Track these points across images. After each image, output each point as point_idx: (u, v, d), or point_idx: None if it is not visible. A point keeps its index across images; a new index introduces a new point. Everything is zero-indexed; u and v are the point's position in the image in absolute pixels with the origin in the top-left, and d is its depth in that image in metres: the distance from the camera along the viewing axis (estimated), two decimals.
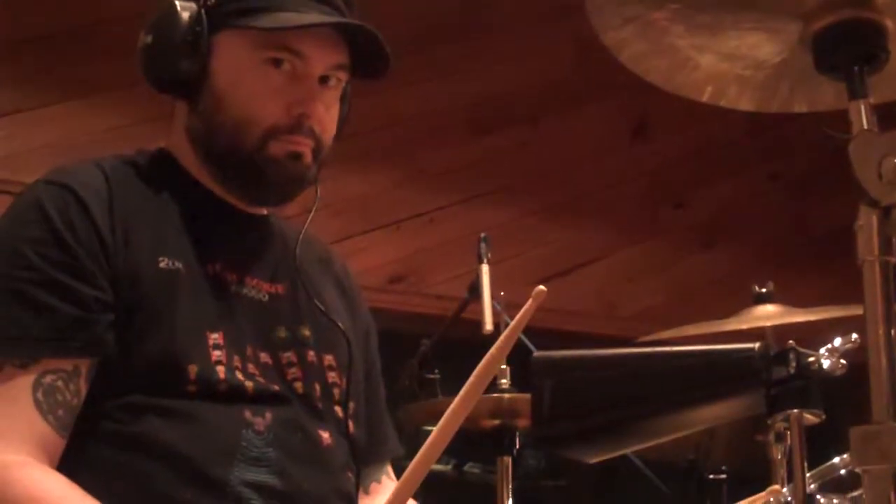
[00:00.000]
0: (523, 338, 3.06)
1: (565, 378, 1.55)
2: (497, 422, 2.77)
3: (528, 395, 2.05)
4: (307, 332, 1.87)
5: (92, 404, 1.68)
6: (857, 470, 1.24)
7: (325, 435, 1.80)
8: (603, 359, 1.56)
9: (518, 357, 2.82)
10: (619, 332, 4.61)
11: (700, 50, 1.50)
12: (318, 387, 1.84)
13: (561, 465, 3.83)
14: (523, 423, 2.74)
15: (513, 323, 1.41)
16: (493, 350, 1.42)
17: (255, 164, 1.79)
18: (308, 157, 1.83)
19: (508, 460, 2.76)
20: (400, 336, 4.11)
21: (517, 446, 2.77)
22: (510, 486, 2.75)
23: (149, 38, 1.81)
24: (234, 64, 1.80)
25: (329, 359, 1.89)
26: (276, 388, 1.76)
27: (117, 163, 1.83)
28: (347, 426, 1.87)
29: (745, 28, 1.45)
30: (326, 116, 1.85)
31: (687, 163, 5.07)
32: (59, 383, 1.66)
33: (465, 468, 3.79)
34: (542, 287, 1.38)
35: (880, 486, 1.21)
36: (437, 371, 3.23)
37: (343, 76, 1.87)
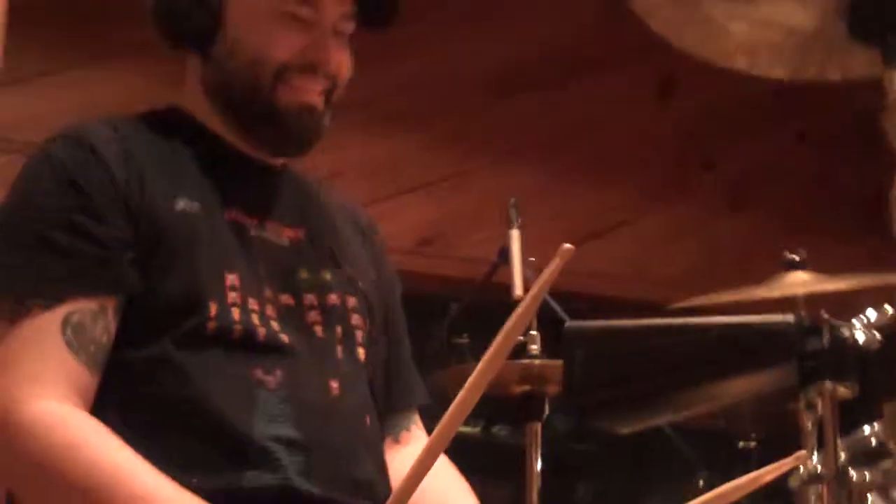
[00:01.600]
0: (555, 305, 3.08)
1: (597, 348, 1.55)
2: (527, 387, 2.77)
3: (557, 362, 2.05)
4: (328, 276, 1.87)
5: (114, 359, 1.69)
6: (892, 445, 1.23)
7: (335, 385, 1.80)
8: (635, 329, 1.55)
9: (548, 324, 2.83)
10: (649, 295, 4.59)
11: (733, 17, 1.49)
12: (339, 329, 1.85)
13: (590, 431, 3.83)
14: (553, 389, 2.73)
15: (539, 281, 1.39)
16: (519, 309, 1.39)
17: (271, 113, 1.82)
18: (320, 105, 1.85)
19: (537, 426, 2.76)
20: (430, 299, 4.12)
21: (546, 412, 2.77)
22: (539, 452, 2.75)
23: None
24: (250, 13, 1.83)
25: (352, 301, 1.89)
26: (286, 339, 1.76)
27: (127, 119, 1.85)
28: (367, 370, 1.88)
29: None
30: (343, 58, 1.88)
31: (715, 122, 5.04)
32: (87, 321, 1.66)
33: (494, 430, 3.80)
34: (568, 245, 1.35)
35: None
36: (466, 335, 3.23)
37: (350, 26, 1.89)
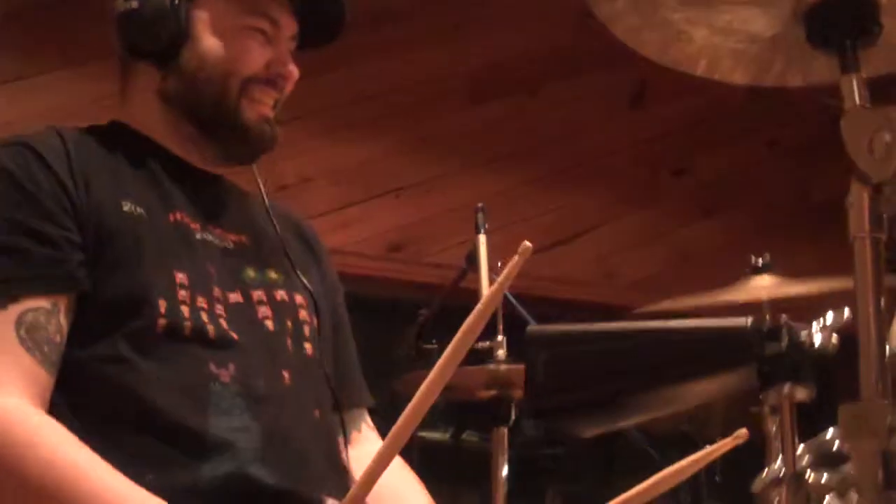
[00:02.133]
0: (522, 310, 3.09)
1: (559, 352, 1.55)
2: (493, 392, 2.78)
3: (523, 367, 2.06)
4: (274, 275, 1.93)
5: (67, 360, 1.71)
6: (846, 447, 1.24)
7: (286, 375, 1.84)
8: (597, 333, 1.56)
9: (514, 328, 2.83)
10: (618, 300, 4.62)
11: (693, 23, 1.49)
12: (289, 323, 1.89)
13: (558, 435, 3.84)
14: (519, 393, 2.74)
15: (499, 279, 1.44)
16: (479, 306, 1.44)
17: (235, 124, 1.89)
18: (272, 115, 1.94)
19: (504, 431, 2.77)
20: (399, 305, 4.12)
21: (513, 417, 2.77)
22: (506, 457, 2.76)
23: (133, 4, 1.86)
24: (219, 27, 1.89)
25: (299, 298, 1.94)
26: (236, 336, 1.79)
27: (71, 130, 1.89)
28: (318, 363, 1.92)
29: (739, 2, 1.45)
30: (295, 72, 1.96)
31: (687, 130, 5.07)
32: (41, 319, 1.69)
33: (463, 437, 3.80)
34: (527, 243, 1.41)
35: (869, 462, 1.21)
36: (434, 341, 3.24)
37: (293, 44, 1.97)
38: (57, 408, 1.69)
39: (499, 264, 2.88)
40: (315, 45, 2.00)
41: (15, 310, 1.68)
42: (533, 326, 1.53)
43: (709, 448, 1.61)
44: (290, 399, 1.82)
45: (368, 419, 2.09)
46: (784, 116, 5.05)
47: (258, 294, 1.88)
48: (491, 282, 2.81)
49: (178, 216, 1.85)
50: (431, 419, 4.25)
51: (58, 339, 1.70)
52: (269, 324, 1.86)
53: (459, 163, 4.63)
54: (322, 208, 4.40)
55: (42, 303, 1.70)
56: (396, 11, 4.54)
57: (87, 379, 1.71)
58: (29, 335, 1.68)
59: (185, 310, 1.75)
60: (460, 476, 3.55)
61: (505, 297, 2.90)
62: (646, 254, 4.97)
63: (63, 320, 1.71)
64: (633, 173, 5.00)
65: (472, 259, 2.93)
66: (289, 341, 1.88)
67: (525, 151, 4.79)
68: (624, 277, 4.91)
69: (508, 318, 2.85)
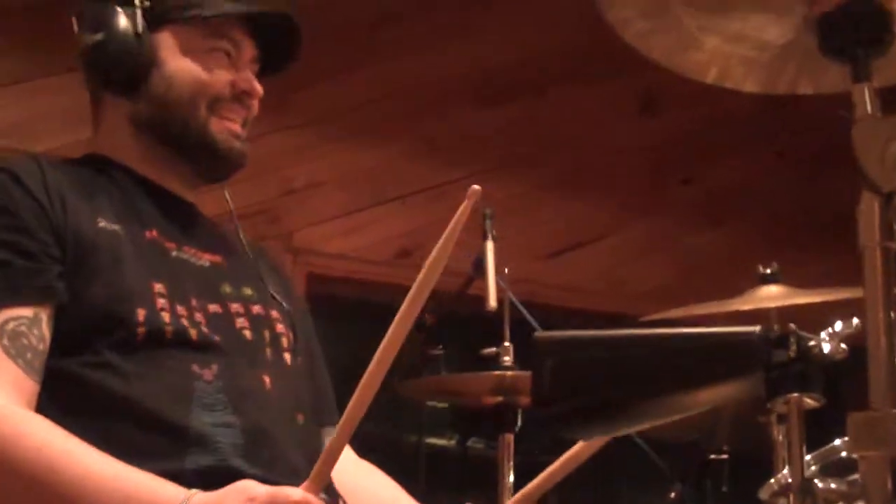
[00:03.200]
0: (528, 316, 3.08)
1: (565, 358, 1.54)
2: (499, 399, 2.78)
3: (530, 373, 2.06)
4: (250, 291, 1.98)
5: (50, 367, 1.76)
6: (855, 456, 1.23)
7: (267, 380, 1.88)
8: (604, 340, 1.55)
9: (521, 336, 2.83)
10: (625, 309, 4.60)
11: (705, 30, 1.49)
12: (267, 334, 1.94)
13: (565, 442, 3.83)
14: (525, 400, 2.74)
15: (451, 224, 1.59)
16: (434, 253, 1.62)
17: (205, 142, 1.96)
18: (243, 133, 2.00)
19: (510, 437, 2.77)
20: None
21: (519, 423, 2.77)
22: (512, 463, 2.75)
23: (99, 36, 1.94)
24: (184, 51, 1.97)
25: (275, 313, 1.99)
26: (218, 339, 1.84)
27: (48, 157, 1.96)
28: (296, 374, 1.97)
29: (751, 9, 1.44)
30: (259, 91, 2.03)
31: (695, 138, 5.06)
32: (23, 328, 1.73)
33: (469, 444, 3.80)
34: (476, 186, 1.56)
35: (878, 471, 1.21)
36: (440, 347, 3.24)
37: (255, 68, 2.05)
38: (45, 412, 1.72)
39: (505, 271, 2.89)
40: (275, 69, 2.08)
41: None
42: (540, 332, 1.52)
43: None
44: (272, 402, 1.87)
45: None
46: (793, 127, 5.05)
47: (236, 307, 1.93)
48: (498, 288, 2.81)
49: (154, 234, 1.91)
50: (438, 426, 4.25)
51: (41, 347, 1.75)
52: (248, 333, 1.91)
53: (467, 169, 4.62)
54: (330, 213, 4.41)
55: (24, 311, 1.75)
56: (403, 14, 4.54)
57: (73, 383, 1.75)
58: (11, 343, 1.72)
59: (165, 315, 1.81)
60: (466, 483, 3.56)
61: (512, 303, 2.90)
62: (653, 263, 4.96)
63: (45, 329, 1.76)
64: (641, 181, 4.99)
65: (479, 265, 2.93)
66: (268, 350, 1.93)
67: (533, 157, 4.78)
68: (631, 286, 4.90)
69: (515, 325, 2.85)
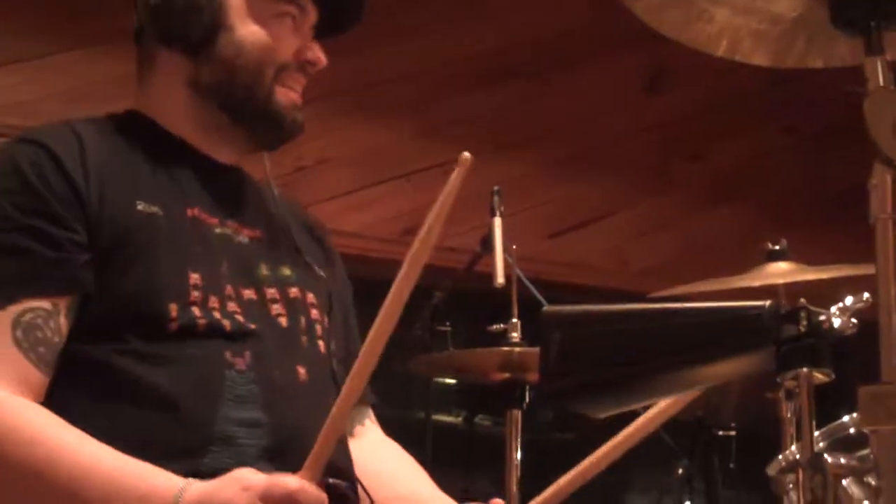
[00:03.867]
0: (535, 292, 3.08)
1: (574, 332, 1.54)
2: (507, 375, 2.77)
3: (537, 350, 2.06)
4: (288, 272, 1.94)
5: (75, 352, 1.73)
6: (866, 430, 1.23)
7: (302, 371, 1.85)
8: (612, 314, 1.54)
9: (529, 312, 2.83)
10: (632, 286, 4.60)
11: (715, 3, 1.49)
12: (303, 320, 1.91)
13: (571, 419, 3.84)
14: (533, 377, 2.73)
15: (445, 190, 1.59)
16: (430, 217, 1.63)
17: (268, 110, 1.91)
18: (301, 101, 1.97)
19: (518, 414, 2.77)
20: (413, 288, 4.11)
21: (527, 400, 2.77)
22: (519, 440, 2.75)
23: None
24: (253, 15, 1.91)
25: (311, 297, 1.95)
26: (253, 326, 1.81)
27: (87, 122, 1.89)
28: (330, 362, 1.93)
29: None
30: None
31: (702, 116, 5.04)
32: (39, 321, 1.70)
33: (476, 420, 3.81)
34: (466, 153, 1.56)
35: (889, 446, 1.21)
36: (448, 323, 3.25)
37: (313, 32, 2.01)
38: (69, 398, 1.70)
39: (513, 247, 2.88)
40: (330, 34, 2.03)
41: (13, 310, 1.69)
42: (548, 307, 1.52)
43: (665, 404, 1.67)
44: (305, 395, 1.83)
45: (371, 414, 2.13)
46: (802, 103, 5.03)
47: (272, 292, 1.89)
48: (505, 265, 2.80)
49: (196, 212, 1.86)
50: (445, 402, 4.25)
51: (56, 339, 1.72)
52: (283, 320, 1.87)
53: (473, 147, 4.59)
54: (338, 190, 4.41)
55: (42, 303, 1.71)
56: None
57: (99, 370, 1.72)
58: (25, 336, 1.69)
59: (195, 310, 1.76)
60: (473, 459, 3.56)
61: (519, 279, 2.90)
62: (660, 240, 4.95)
63: (63, 321, 1.72)
64: (648, 159, 4.98)
65: (487, 242, 2.92)
66: (303, 338, 1.90)
67: (539, 136, 4.78)
68: (637, 264, 4.89)
69: (523, 302, 2.84)
